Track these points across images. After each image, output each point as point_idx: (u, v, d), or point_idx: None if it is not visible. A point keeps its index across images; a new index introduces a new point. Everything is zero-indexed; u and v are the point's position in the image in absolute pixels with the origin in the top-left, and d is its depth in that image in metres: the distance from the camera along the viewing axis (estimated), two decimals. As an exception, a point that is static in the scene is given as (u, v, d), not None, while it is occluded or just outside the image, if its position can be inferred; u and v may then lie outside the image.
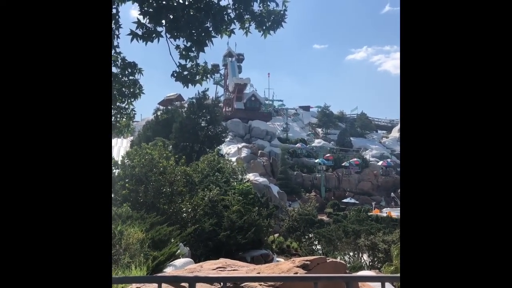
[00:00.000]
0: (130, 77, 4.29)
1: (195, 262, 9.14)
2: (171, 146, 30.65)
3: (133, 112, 4.41)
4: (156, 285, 5.00)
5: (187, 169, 19.00)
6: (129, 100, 4.39)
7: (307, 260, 5.18)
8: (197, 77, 3.61)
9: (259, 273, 5.15)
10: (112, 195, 15.88)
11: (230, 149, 46.12)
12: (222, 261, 6.58)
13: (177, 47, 3.53)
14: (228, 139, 43.61)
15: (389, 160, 51.32)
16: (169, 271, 7.66)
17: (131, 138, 52.26)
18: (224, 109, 57.34)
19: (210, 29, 3.31)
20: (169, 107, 47.24)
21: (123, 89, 4.30)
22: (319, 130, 64.59)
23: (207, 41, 3.42)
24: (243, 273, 5.28)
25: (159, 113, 45.59)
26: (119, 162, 17.07)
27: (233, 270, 5.50)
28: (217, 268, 5.50)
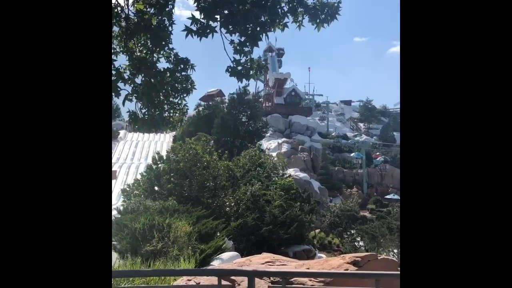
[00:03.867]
0: (183, 73, 4.35)
1: (241, 256, 9.23)
2: (212, 141, 31.08)
3: (186, 107, 4.48)
4: (205, 277, 5.10)
5: (229, 164, 19.22)
6: (181, 96, 4.46)
7: (357, 257, 5.09)
8: (251, 72, 3.62)
9: (308, 268, 5.12)
10: (158, 189, 16.32)
11: (271, 144, 46.14)
12: (269, 255, 6.60)
13: (232, 42, 3.54)
14: (268, 134, 43.65)
15: None
16: (216, 264, 7.77)
17: (174, 133, 53.48)
18: (264, 104, 57.36)
19: (267, 22, 3.29)
20: (210, 103, 47.89)
21: (176, 84, 4.36)
22: (361, 124, 63.37)
23: (261, 36, 3.41)
24: (292, 268, 5.27)
25: (200, 108, 46.28)
26: (164, 157, 17.47)
27: (282, 264, 5.50)
28: (265, 262, 5.51)
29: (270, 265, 5.49)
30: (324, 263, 5.31)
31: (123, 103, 3.96)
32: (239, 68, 3.65)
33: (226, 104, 41.18)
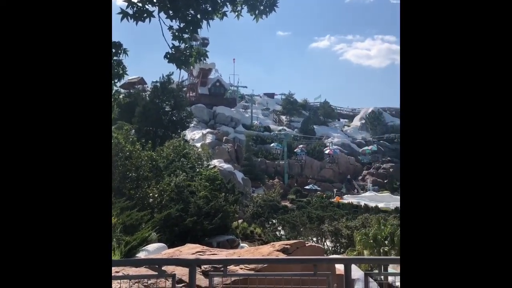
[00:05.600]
0: (115, 58, 4.16)
1: (167, 248, 9.09)
2: (133, 130, 29.99)
3: (117, 92, 4.29)
4: (134, 269, 4.95)
5: (153, 154, 18.74)
6: (113, 81, 4.26)
7: (286, 244, 5.27)
8: (191, 60, 3.56)
9: (239, 257, 5.21)
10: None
11: (195, 135, 45.74)
12: (197, 246, 6.59)
13: (170, 27, 3.45)
14: (192, 124, 43.19)
15: (335, 147, 52.14)
16: (142, 255, 7.58)
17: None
18: (188, 94, 56.51)
19: (208, 9, 3.26)
20: (131, 91, 46.08)
21: (107, 69, 4.16)
22: (283, 117, 65.09)
23: (201, 23, 3.37)
24: (223, 257, 5.32)
25: (121, 96, 44.34)
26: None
27: (213, 254, 5.53)
28: (196, 252, 5.50)
29: (201, 255, 5.48)
30: (255, 251, 5.43)
31: None
32: (178, 55, 3.58)
33: (149, 93, 39.90)
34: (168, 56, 3.53)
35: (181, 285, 4.37)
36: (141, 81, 57.91)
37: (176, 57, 3.53)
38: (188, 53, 3.55)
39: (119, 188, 14.75)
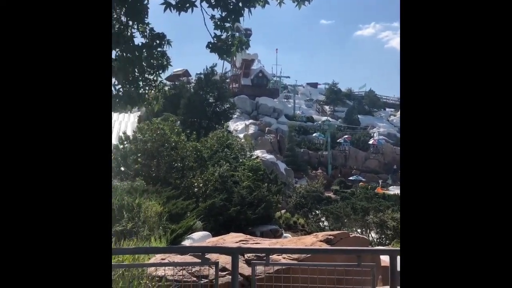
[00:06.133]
0: (159, 49, 4.23)
1: (212, 236, 9.26)
2: (179, 122, 30.65)
3: (162, 84, 4.37)
4: (179, 256, 5.08)
5: (197, 145, 19.09)
6: (157, 72, 4.35)
7: (330, 235, 5.21)
8: (233, 49, 3.55)
9: (282, 246, 5.20)
10: (124, 169, 16.02)
11: (238, 126, 46.07)
12: (241, 235, 6.65)
13: (212, 17, 3.46)
14: (235, 115, 43.52)
15: (381, 137, 50.84)
16: (187, 243, 7.77)
17: (138, 113, 52.23)
18: (231, 85, 56.93)
19: (249, -2, 3.23)
20: (176, 83, 47.03)
21: (152, 60, 4.24)
22: (327, 107, 64.21)
23: (243, 11, 3.35)
24: (266, 246, 5.34)
25: (166, 88, 45.31)
26: (131, 137, 17.11)
27: (256, 243, 5.56)
28: (239, 241, 5.56)
29: (244, 244, 5.53)
30: (298, 241, 5.41)
31: None
32: (220, 44, 3.58)
33: (193, 84, 40.56)
34: (210, 46, 3.55)
35: (224, 273, 4.43)
36: (186, 73, 58.91)
37: (218, 47, 3.54)
38: (230, 42, 3.55)
39: (165, 177, 15.15)
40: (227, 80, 50.29)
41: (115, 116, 61.09)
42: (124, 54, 3.61)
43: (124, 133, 18.04)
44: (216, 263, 2.80)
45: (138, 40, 4.16)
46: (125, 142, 16.96)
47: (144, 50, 3.82)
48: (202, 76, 37.88)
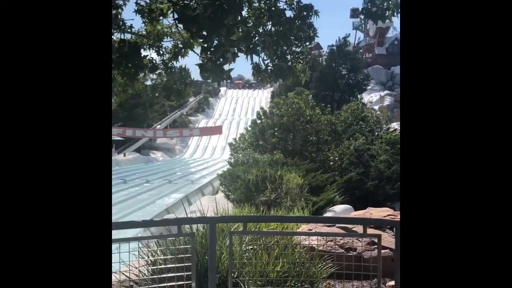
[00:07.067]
0: (306, 21, 4.20)
1: (354, 210, 9.17)
2: (311, 96, 30.72)
3: (309, 56, 4.35)
4: (326, 228, 5.13)
5: (331, 118, 18.94)
6: (304, 44, 4.34)
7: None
8: (387, 13, 3.34)
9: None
10: (262, 143, 16.74)
11: (372, 98, 44.37)
12: (386, 209, 6.45)
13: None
14: (369, 87, 41.89)
15: None
16: (330, 216, 7.82)
17: (272, 89, 53.78)
18: (364, 56, 54.74)
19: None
20: (309, 56, 47.03)
21: (299, 33, 4.23)
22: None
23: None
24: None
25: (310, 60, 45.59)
26: (268, 112, 17.73)
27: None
28: (387, 215, 5.38)
29: (392, 218, 5.34)
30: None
31: (251, 57, 3.81)
32: (374, 9, 3.39)
33: (325, 57, 40.06)
34: (364, 11, 3.38)
35: (373, 246, 4.37)
36: (317, 46, 58.43)
37: (371, 12, 3.35)
38: (385, 6, 3.33)
39: (301, 151, 15.42)
40: (360, 51, 48.42)
41: (249, 92, 63.86)
42: (278, 27, 3.66)
43: (262, 108, 18.77)
44: (379, 236, 2.74)
45: (288, 13, 4.17)
46: (263, 117, 17.64)
47: (296, 21, 3.82)
48: (334, 48, 37.17)
